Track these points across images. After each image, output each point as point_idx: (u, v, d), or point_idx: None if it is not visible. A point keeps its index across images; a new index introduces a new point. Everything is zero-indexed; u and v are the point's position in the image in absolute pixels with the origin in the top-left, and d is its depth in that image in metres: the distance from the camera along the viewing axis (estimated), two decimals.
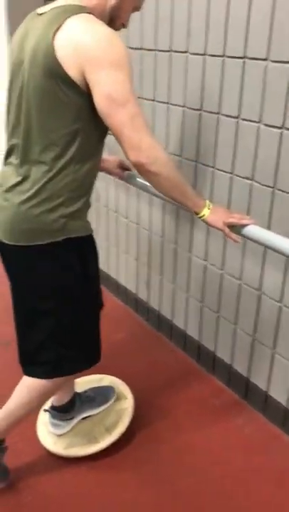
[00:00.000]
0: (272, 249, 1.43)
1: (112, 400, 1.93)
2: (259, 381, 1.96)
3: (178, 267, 2.25)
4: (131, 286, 2.65)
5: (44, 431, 1.84)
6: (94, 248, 1.51)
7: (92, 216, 1.49)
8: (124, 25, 1.43)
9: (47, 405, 1.86)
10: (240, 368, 2.03)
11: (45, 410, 1.84)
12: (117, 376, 2.09)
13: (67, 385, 1.77)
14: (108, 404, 1.92)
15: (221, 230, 1.42)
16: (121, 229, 2.61)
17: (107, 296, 2.82)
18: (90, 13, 1.27)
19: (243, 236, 1.44)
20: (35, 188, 1.31)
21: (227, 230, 1.41)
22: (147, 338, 2.49)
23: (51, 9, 1.29)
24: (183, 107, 1.97)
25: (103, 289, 1.67)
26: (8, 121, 1.39)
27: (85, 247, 1.45)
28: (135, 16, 1.53)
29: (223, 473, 1.73)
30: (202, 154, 1.94)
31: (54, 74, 1.22)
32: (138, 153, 1.26)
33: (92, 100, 1.23)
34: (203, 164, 1.94)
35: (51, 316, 1.47)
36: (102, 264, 2.88)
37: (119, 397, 1.97)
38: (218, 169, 1.87)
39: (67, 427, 1.83)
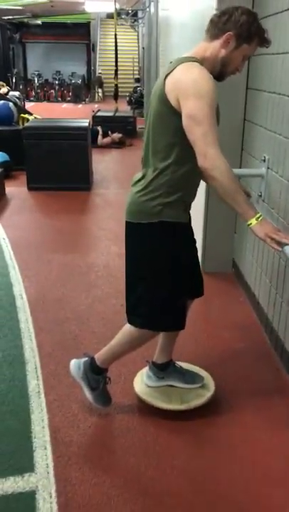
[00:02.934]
0: None
1: (198, 385, 2.30)
2: None
3: None
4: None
5: (139, 378, 2.37)
6: (185, 235, 1.99)
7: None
8: (238, 70, 1.88)
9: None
10: None
11: (147, 361, 2.33)
12: (215, 372, 2.44)
13: (166, 349, 2.26)
14: (193, 386, 2.30)
15: (262, 240, 1.72)
16: None
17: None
18: (196, 61, 1.76)
19: (285, 254, 1.69)
20: (146, 183, 1.88)
21: (268, 240, 1.71)
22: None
23: (175, 60, 1.83)
24: None
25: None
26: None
27: (176, 231, 1.92)
28: None
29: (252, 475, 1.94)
30: None
31: (162, 101, 1.78)
32: (204, 160, 1.70)
33: None
34: None
35: (144, 281, 1.99)
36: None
37: (204, 387, 2.32)
38: None
39: (156, 382, 2.29)
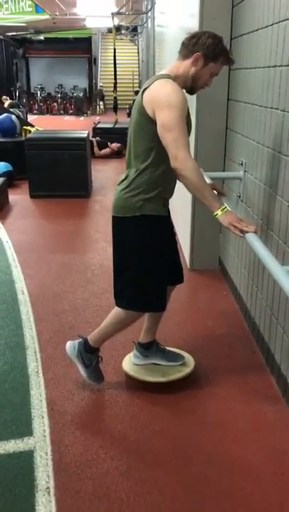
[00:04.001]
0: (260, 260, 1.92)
1: (179, 363, 2.58)
2: None
3: None
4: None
5: (128, 360, 2.65)
6: (165, 227, 2.26)
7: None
8: (207, 85, 2.18)
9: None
10: None
11: (133, 342, 2.61)
12: (198, 353, 2.72)
13: (149, 331, 2.53)
14: (175, 364, 2.58)
15: (227, 228, 2.01)
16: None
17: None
18: (170, 77, 2.06)
19: (247, 240, 1.97)
20: (128, 181, 2.16)
21: (232, 228, 1.99)
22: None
23: (152, 77, 2.12)
24: None
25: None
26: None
27: (156, 223, 2.20)
28: None
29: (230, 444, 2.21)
30: None
31: (141, 112, 2.07)
32: (175, 161, 1.99)
33: None
34: None
35: (129, 269, 2.26)
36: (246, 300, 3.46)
37: (184, 364, 2.60)
38: None
39: (141, 361, 2.57)
